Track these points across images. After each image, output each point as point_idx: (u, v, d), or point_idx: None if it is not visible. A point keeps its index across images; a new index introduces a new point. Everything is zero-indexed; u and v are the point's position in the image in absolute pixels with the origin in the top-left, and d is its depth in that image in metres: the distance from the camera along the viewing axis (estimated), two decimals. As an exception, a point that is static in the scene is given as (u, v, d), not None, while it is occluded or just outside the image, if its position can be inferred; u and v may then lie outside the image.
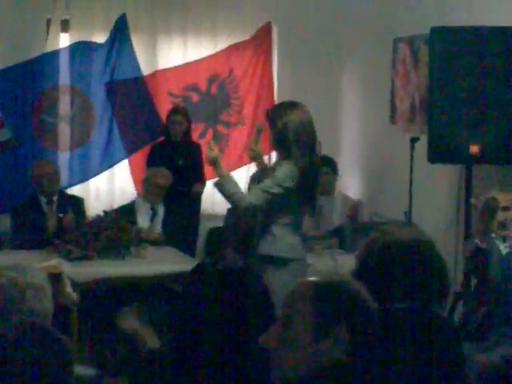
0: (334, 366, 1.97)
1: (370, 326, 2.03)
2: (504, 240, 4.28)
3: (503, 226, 4.28)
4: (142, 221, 6.14)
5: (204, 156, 4.61)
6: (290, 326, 2.02)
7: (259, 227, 4.50)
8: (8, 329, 2.08)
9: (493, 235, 4.26)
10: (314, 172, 4.53)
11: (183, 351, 2.31)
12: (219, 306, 2.30)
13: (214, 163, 4.46)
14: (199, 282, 2.39)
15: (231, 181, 4.45)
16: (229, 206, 4.99)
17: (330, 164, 6.61)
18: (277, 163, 4.57)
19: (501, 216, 4.29)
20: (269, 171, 4.56)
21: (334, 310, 2.00)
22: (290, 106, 4.54)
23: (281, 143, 4.48)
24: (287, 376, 2.01)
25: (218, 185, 4.48)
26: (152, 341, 2.70)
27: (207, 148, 4.50)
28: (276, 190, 4.41)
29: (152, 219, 6.23)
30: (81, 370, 2.59)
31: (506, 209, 4.29)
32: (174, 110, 6.85)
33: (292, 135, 4.42)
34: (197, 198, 6.85)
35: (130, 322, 2.80)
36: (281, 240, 4.47)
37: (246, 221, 4.59)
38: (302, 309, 2.02)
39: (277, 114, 4.50)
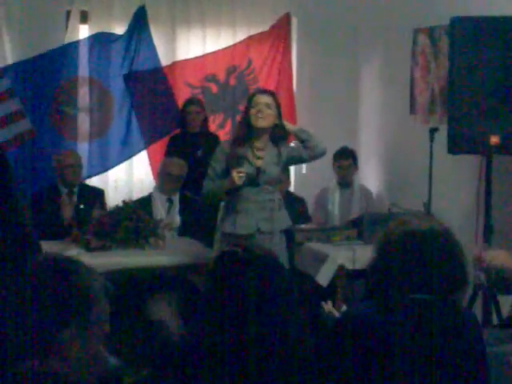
0: None
1: None
2: None
3: None
4: (159, 213, 6.13)
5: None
6: None
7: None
8: None
9: None
10: None
11: (217, 336, 2.30)
12: (251, 290, 2.30)
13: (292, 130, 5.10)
14: (230, 267, 2.39)
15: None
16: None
17: (350, 156, 6.59)
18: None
19: None
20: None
21: None
22: None
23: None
24: None
25: (300, 131, 5.07)
26: (179, 329, 2.70)
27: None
28: None
29: (169, 210, 6.23)
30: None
31: None
32: (189, 101, 6.84)
33: None
34: None
35: (161, 309, 2.81)
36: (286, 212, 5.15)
37: None
38: None
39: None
